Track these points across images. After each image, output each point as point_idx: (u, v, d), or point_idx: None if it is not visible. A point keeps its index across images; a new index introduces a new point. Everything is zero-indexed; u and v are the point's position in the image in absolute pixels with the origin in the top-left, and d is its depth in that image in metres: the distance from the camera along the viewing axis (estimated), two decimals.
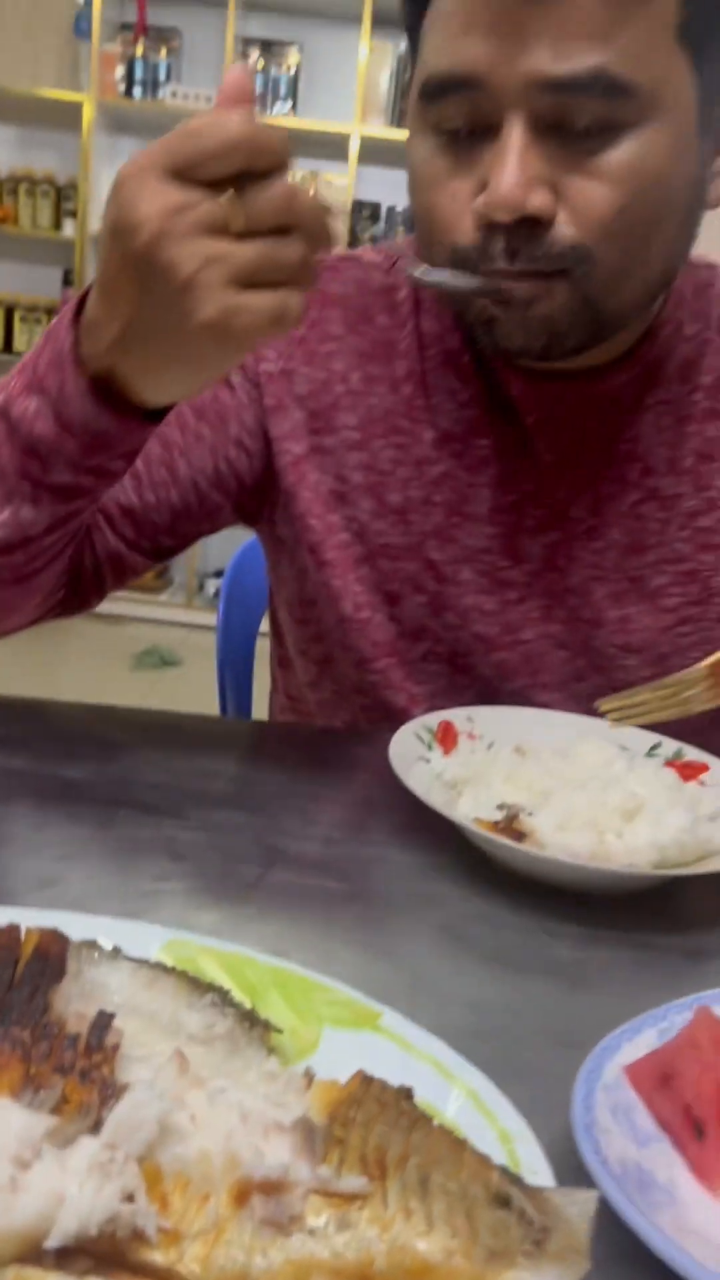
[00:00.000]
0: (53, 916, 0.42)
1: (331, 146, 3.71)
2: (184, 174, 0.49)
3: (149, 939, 0.44)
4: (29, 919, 0.41)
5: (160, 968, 0.41)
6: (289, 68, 3.76)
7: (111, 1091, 0.32)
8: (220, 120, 0.48)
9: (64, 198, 3.80)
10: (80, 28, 3.70)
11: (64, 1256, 0.28)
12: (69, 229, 3.77)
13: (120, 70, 3.68)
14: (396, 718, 0.75)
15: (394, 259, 0.78)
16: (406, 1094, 0.35)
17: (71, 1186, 0.29)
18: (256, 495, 0.79)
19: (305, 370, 0.76)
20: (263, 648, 1.02)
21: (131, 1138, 0.30)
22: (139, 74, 3.70)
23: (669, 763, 0.68)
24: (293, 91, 3.76)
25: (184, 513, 0.77)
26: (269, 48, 3.75)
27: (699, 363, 0.75)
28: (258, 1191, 0.31)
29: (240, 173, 0.48)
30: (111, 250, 0.52)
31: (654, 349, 0.73)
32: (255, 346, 0.52)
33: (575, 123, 0.58)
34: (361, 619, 0.77)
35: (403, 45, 3.34)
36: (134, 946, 0.42)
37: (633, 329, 0.71)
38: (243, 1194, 0.31)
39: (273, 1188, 0.31)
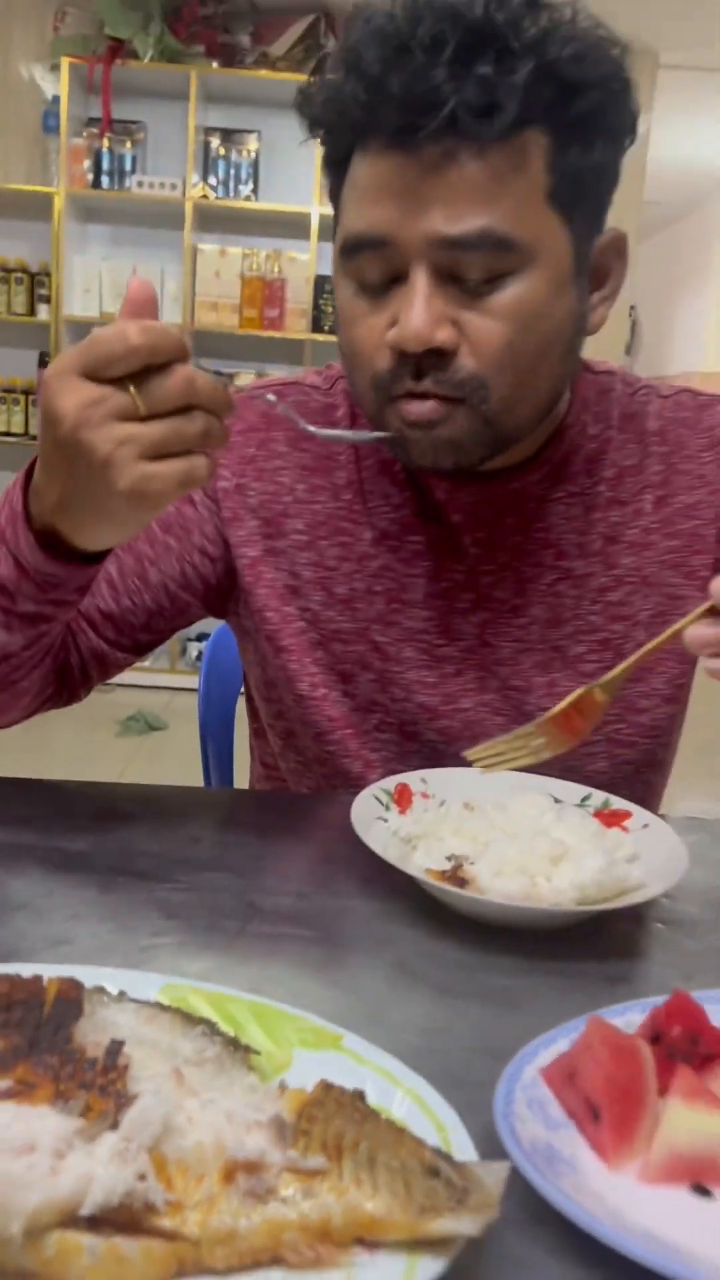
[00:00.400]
0: (68, 969, 0.51)
1: (293, 226, 3.88)
2: (95, 374, 0.60)
3: (148, 984, 0.53)
4: (49, 971, 0.49)
5: (159, 1006, 0.49)
6: (249, 154, 3.94)
7: (124, 1100, 0.41)
8: (121, 330, 0.59)
9: (37, 284, 3.95)
10: (48, 124, 3.88)
11: (94, 1223, 0.37)
12: (43, 313, 3.92)
13: (88, 162, 3.85)
14: (355, 783, 0.85)
15: (333, 380, 0.90)
16: (359, 1095, 0.44)
17: (98, 1169, 0.37)
18: (220, 593, 0.90)
19: (256, 485, 0.87)
20: (242, 715, 1.12)
21: (142, 1133, 0.39)
22: (105, 165, 3.87)
23: (597, 812, 0.78)
24: (254, 176, 3.94)
25: (158, 613, 0.88)
26: (229, 136, 3.94)
27: (602, 458, 0.86)
28: (241, 1171, 0.40)
29: (144, 368, 0.59)
30: (44, 436, 0.63)
31: (561, 449, 0.84)
32: (171, 502, 0.63)
33: (468, 272, 0.70)
34: (317, 697, 0.88)
35: None
36: (136, 990, 0.51)
37: (539, 434, 0.83)
38: (229, 1173, 0.40)
39: (252, 1168, 0.40)
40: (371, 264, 0.72)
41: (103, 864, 0.71)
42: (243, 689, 1.02)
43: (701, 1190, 0.44)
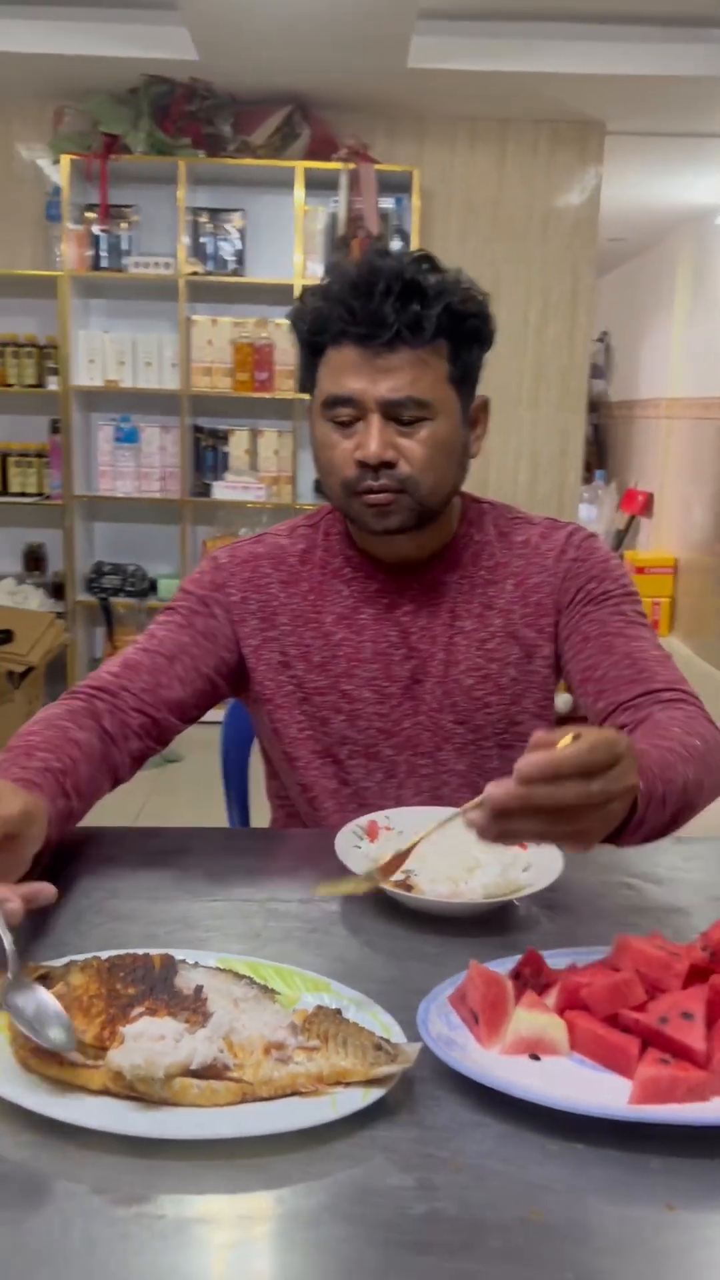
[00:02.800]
0: (161, 950, 0.84)
1: (278, 294, 4.23)
2: None
3: (209, 958, 0.86)
4: (152, 951, 0.83)
5: (218, 969, 0.83)
6: (235, 230, 4.30)
7: (206, 1016, 0.74)
8: None
9: (45, 356, 4.30)
10: (51, 212, 4.24)
11: (196, 1073, 0.70)
12: (52, 384, 4.27)
13: (88, 246, 4.21)
14: (335, 798, 1.27)
15: (294, 528, 1.34)
16: (338, 1012, 0.78)
17: (198, 1046, 0.71)
18: (238, 676, 1.31)
19: (254, 596, 1.30)
20: (256, 762, 1.47)
21: (217, 1030, 0.73)
22: (104, 247, 4.23)
23: None
24: (240, 250, 4.30)
25: (206, 693, 1.29)
26: (216, 215, 4.30)
27: (480, 555, 1.32)
28: (273, 1049, 0.73)
29: None
30: None
31: (454, 551, 1.31)
32: None
33: (402, 416, 1.17)
34: (304, 737, 1.29)
35: (332, 204, 3.86)
36: (203, 961, 0.84)
37: (439, 537, 1.28)
38: (267, 1050, 0.73)
39: (279, 1046, 0.73)
40: (344, 412, 1.18)
41: (168, 887, 1.05)
42: (256, 744, 1.39)
43: (534, 1057, 0.77)
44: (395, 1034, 0.78)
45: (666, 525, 6.59)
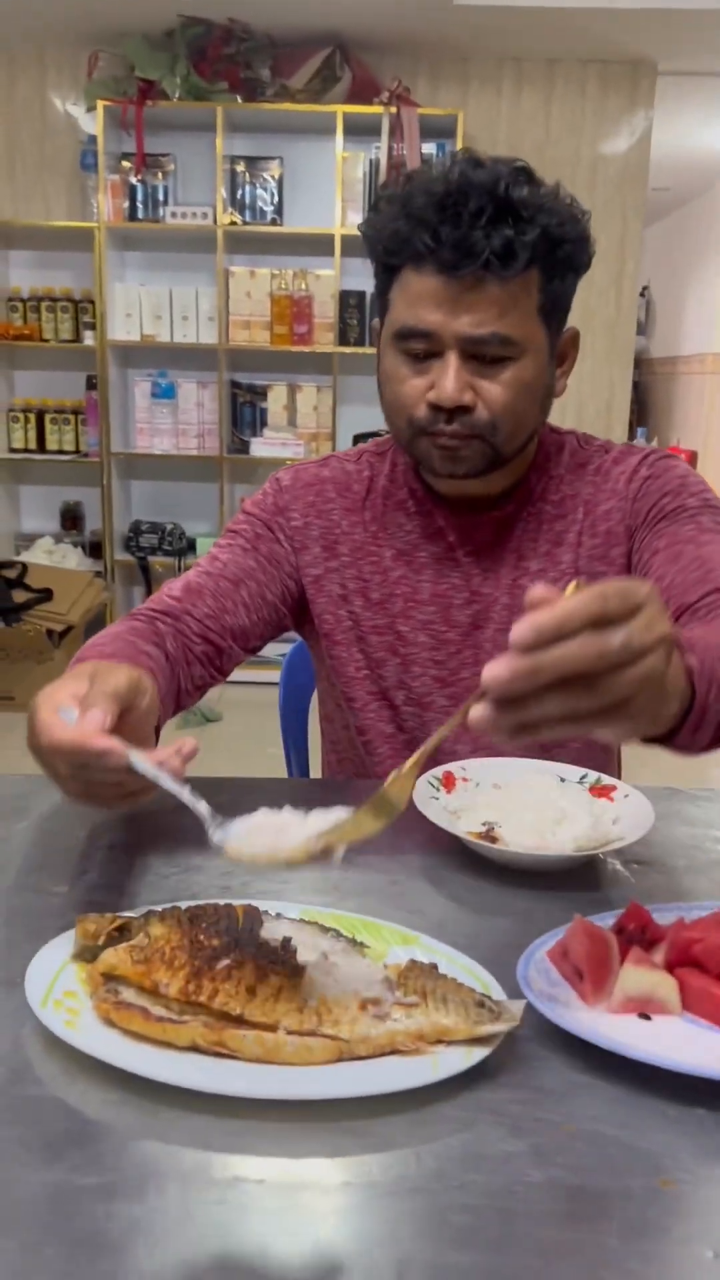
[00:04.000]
0: (240, 900, 0.80)
1: (317, 245, 4.14)
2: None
3: (292, 910, 0.82)
4: (236, 903, 0.79)
5: (303, 921, 0.78)
6: (273, 179, 4.20)
7: (297, 970, 0.70)
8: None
9: (81, 311, 4.24)
10: (86, 162, 4.16)
11: (291, 1031, 0.66)
12: (89, 338, 4.21)
13: (124, 197, 4.13)
14: (388, 745, 1.22)
15: (360, 454, 1.27)
16: (434, 966, 0.73)
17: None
18: (301, 606, 1.25)
19: (317, 523, 1.23)
20: (314, 711, 1.42)
21: (311, 984, 0.68)
22: (140, 197, 4.15)
23: (592, 787, 1.06)
24: (278, 199, 4.20)
25: (270, 623, 1.23)
26: (253, 163, 4.20)
27: (550, 489, 1.22)
28: (369, 1005, 0.69)
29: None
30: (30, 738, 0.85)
31: (525, 488, 1.21)
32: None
33: (485, 356, 1.06)
34: (361, 677, 1.23)
35: (373, 151, 3.77)
36: (286, 913, 0.80)
37: (514, 471, 1.18)
38: (363, 1006, 0.68)
39: (375, 1003, 0.69)
40: (417, 345, 1.07)
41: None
42: (316, 688, 1.34)
43: (645, 1016, 0.72)
44: (495, 991, 0.73)
45: (712, 484, 6.45)
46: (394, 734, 1.24)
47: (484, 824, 0.97)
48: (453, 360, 1.06)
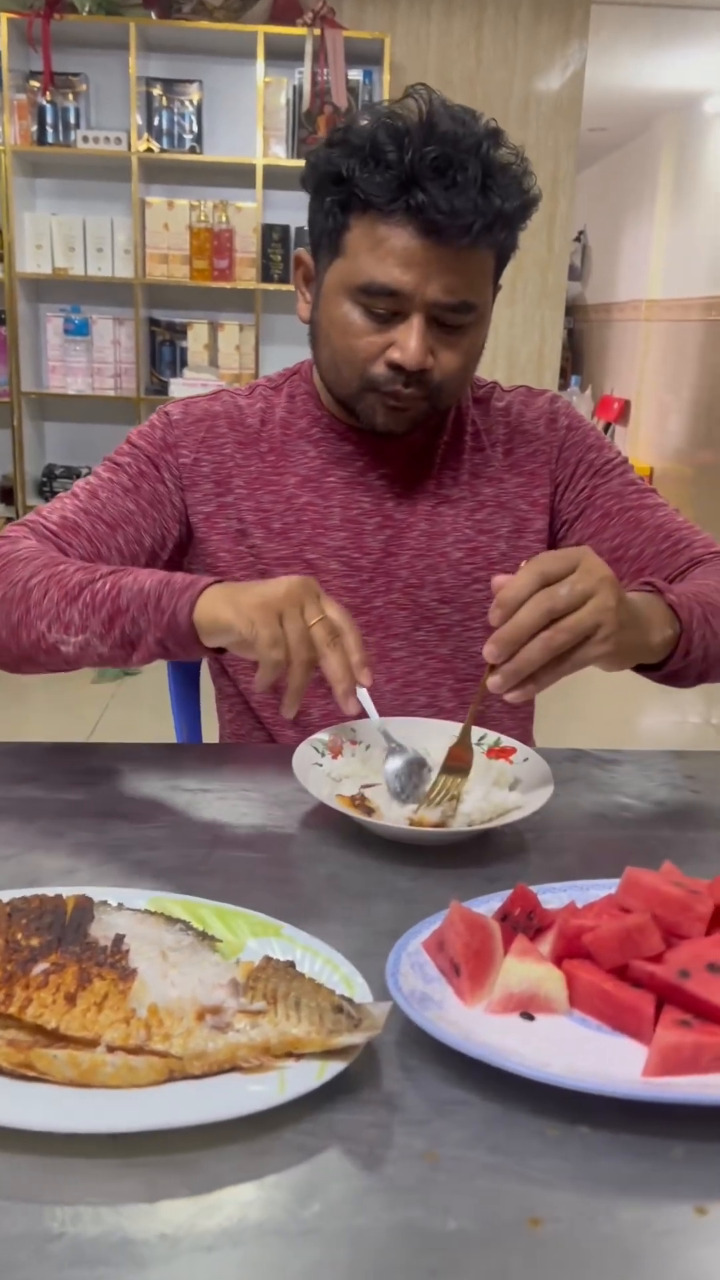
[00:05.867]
0: (79, 889, 0.70)
1: (239, 175, 3.95)
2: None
3: (139, 898, 0.72)
4: (66, 891, 0.68)
5: (147, 913, 0.68)
6: (192, 104, 3.98)
7: (128, 973, 0.60)
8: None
9: None
10: None
11: (111, 1049, 0.56)
12: None
13: (31, 118, 3.88)
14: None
15: (253, 388, 1.19)
16: (291, 964, 0.64)
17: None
18: (182, 549, 1.17)
19: (207, 458, 1.15)
20: (207, 674, 1.31)
21: (143, 990, 0.59)
22: (50, 119, 3.90)
23: (490, 749, 0.97)
24: (198, 126, 3.99)
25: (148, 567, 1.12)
26: (171, 86, 3.97)
27: (462, 421, 1.19)
28: (208, 1014, 0.59)
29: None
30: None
31: (437, 417, 1.14)
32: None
33: (447, 322, 1.02)
34: None
35: (296, 77, 3.58)
36: (130, 902, 0.70)
37: None
38: (201, 1015, 0.59)
39: (215, 1010, 0.59)
40: (382, 302, 1.01)
41: (97, 810, 0.90)
42: None
43: (527, 1016, 0.64)
44: (360, 990, 0.64)
45: (643, 434, 6.41)
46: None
47: (360, 788, 0.88)
48: (418, 323, 1.01)
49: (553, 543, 1.20)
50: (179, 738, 1.38)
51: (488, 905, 0.73)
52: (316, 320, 1.08)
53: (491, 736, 0.98)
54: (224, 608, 0.90)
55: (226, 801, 0.94)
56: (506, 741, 0.98)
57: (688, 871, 0.74)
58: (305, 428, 1.16)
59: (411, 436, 1.13)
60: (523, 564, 0.84)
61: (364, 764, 0.93)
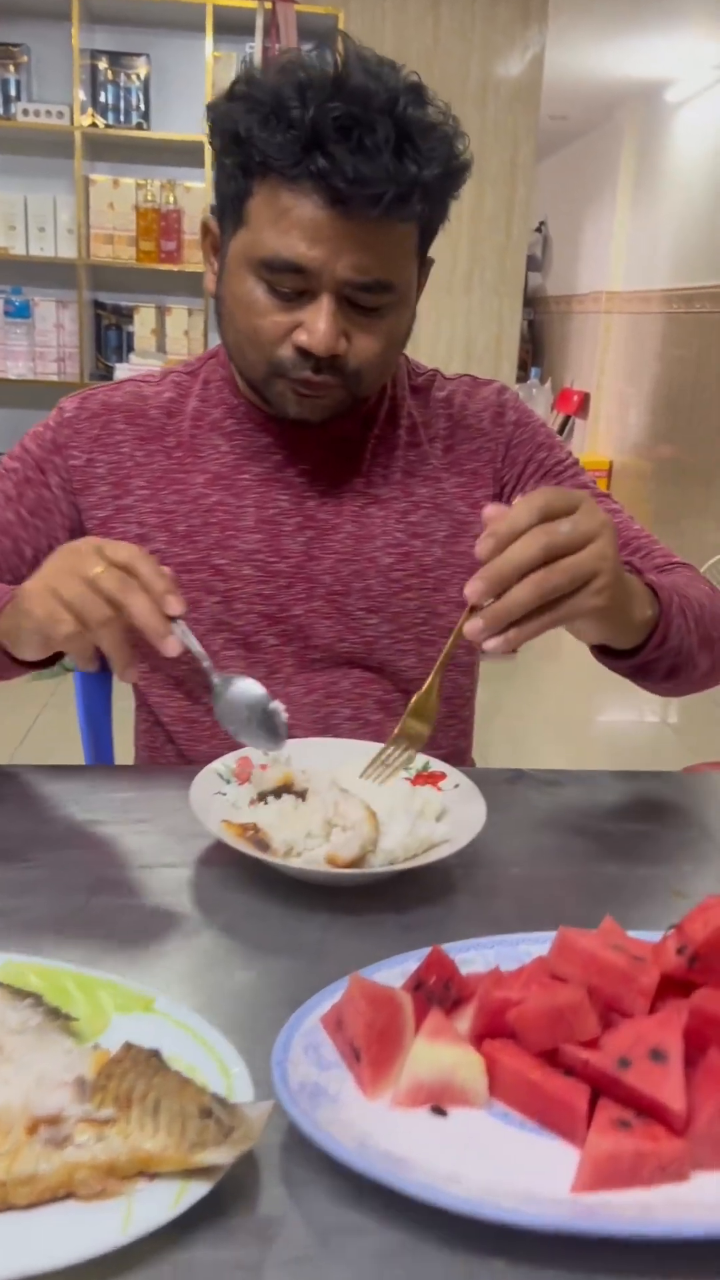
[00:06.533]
0: None
1: (187, 154, 3.81)
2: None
3: None
4: None
5: None
6: (138, 78, 3.83)
7: None
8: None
9: None
10: None
11: None
12: None
13: None
14: (198, 710, 1.04)
15: (167, 373, 1.07)
16: (154, 1053, 0.53)
17: None
18: None
19: (103, 458, 1.03)
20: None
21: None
22: None
23: (419, 773, 0.87)
24: (145, 102, 3.84)
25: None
26: (117, 59, 3.82)
27: (397, 412, 1.06)
28: (43, 1125, 0.48)
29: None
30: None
31: (368, 405, 1.04)
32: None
33: (361, 303, 0.90)
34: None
35: (246, 50, 3.44)
36: None
37: None
38: (33, 1127, 0.48)
39: (53, 1121, 0.48)
40: (287, 280, 0.89)
41: None
42: None
43: (438, 1110, 0.54)
44: (239, 1083, 0.53)
45: (603, 427, 6.35)
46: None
47: (249, 821, 0.77)
48: (328, 304, 0.89)
49: None
50: (87, 757, 1.26)
51: (401, 968, 0.63)
52: (222, 296, 0.96)
53: (420, 760, 0.88)
54: (10, 614, 0.82)
55: (117, 835, 0.83)
56: (436, 765, 0.87)
57: (636, 920, 0.65)
58: (219, 419, 1.04)
59: (336, 428, 1.01)
60: (517, 499, 0.75)
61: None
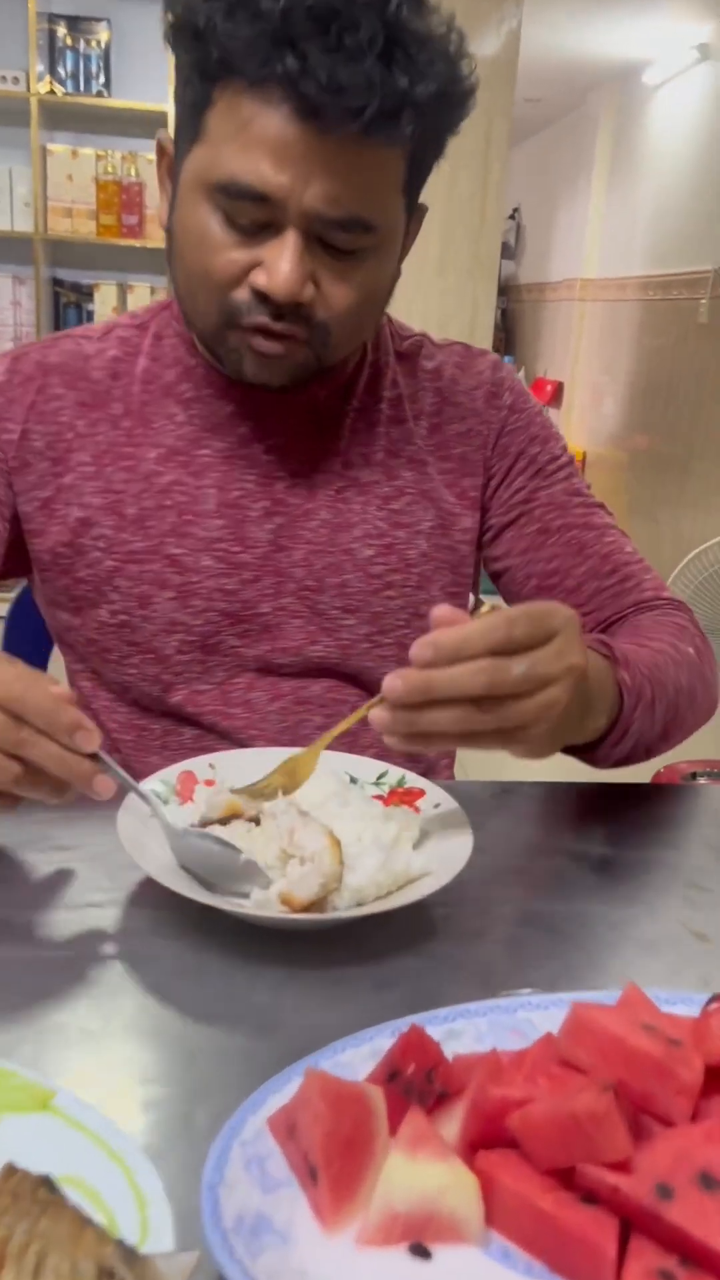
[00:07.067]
0: None
1: (150, 124, 3.65)
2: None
3: None
4: None
5: None
6: (99, 44, 3.67)
7: None
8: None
9: None
10: None
11: None
12: None
13: None
14: (161, 707, 0.91)
15: (110, 328, 0.92)
16: (44, 1182, 0.40)
17: None
18: (19, 548, 0.91)
19: (39, 428, 0.89)
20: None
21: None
22: None
23: (392, 790, 0.74)
24: (105, 69, 3.68)
25: None
26: (76, 24, 3.65)
27: (379, 380, 0.93)
28: None
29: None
30: None
31: (347, 369, 0.90)
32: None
33: (334, 243, 0.76)
34: (115, 624, 0.89)
35: None
36: None
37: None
38: None
39: None
40: (247, 210, 0.74)
41: None
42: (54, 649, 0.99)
43: (420, 1251, 0.41)
44: (156, 1217, 0.40)
45: (577, 417, 6.25)
46: (161, 696, 0.90)
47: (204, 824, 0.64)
48: (293, 240, 0.74)
49: (479, 544, 0.97)
50: None
51: (371, 1045, 0.50)
52: (172, 229, 0.81)
53: (394, 774, 0.75)
54: None
55: (35, 868, 0.69)
56: (414, 781, 0.75)
57: (656, 973, 0.53)
58: (172, 382, 0.89)
59: (310, 397, 0.88)
60: (486, 608, 0.64)
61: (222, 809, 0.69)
